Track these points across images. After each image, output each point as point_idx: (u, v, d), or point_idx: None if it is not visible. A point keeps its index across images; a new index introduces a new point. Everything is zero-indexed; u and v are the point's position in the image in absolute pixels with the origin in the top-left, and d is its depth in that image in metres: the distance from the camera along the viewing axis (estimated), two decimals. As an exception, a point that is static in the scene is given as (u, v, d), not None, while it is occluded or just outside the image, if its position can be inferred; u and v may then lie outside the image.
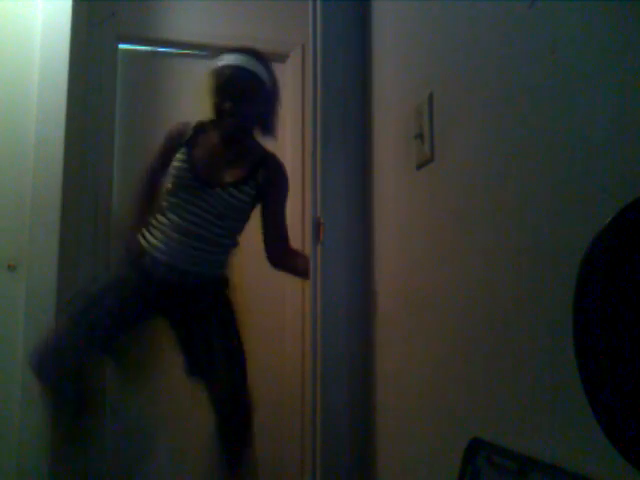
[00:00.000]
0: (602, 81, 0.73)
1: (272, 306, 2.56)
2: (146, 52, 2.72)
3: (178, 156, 1.96)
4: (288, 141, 2.75)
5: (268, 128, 2.07)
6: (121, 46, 2.65)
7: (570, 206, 0.78)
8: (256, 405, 1.98)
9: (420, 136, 1.26)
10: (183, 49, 2.75)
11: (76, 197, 2.28)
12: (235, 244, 2.05)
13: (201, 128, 2.02)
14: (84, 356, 1.88)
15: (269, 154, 2.07)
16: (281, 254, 2.07)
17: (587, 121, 0.76)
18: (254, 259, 2.14)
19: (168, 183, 1.97)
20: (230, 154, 2.00)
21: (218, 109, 1.97)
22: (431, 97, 1.23)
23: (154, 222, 1.96)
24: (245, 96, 1.95)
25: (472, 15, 1.07)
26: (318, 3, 1.69)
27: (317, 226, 1.64)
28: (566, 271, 0.74)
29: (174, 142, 2.00)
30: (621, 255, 0.61)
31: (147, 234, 1.95)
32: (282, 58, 2.80)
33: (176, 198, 1.94)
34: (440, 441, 1.15)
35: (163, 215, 1.95)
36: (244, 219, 2.03)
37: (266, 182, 2.01)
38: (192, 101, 2.50)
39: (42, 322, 2.05)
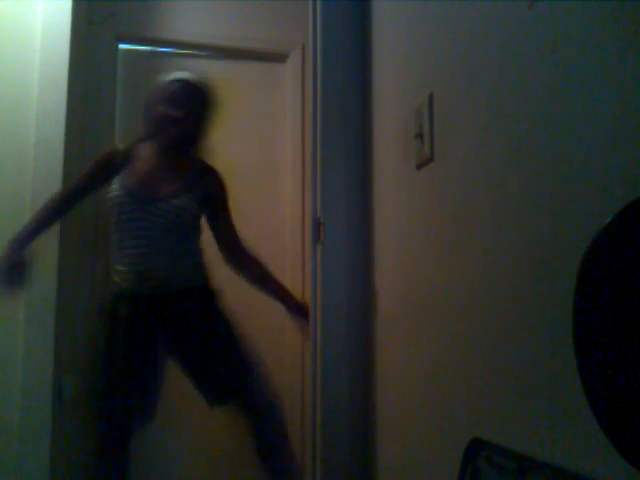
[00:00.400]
0: (602, 81, 0.73)
1: (272, 306, 2.55)
2: (146, 52, 2.71)
3: (113, 186, 1.95)
4: (288, 141, 2.75)
5: (194, 146, 2.09)
6: (121, 46, 2.65)
7: (570, 206, 0.78)
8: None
9: (420, 136, 1.26)
10: (183, 49, 2.74)
11: (76, 197, 2.28)
12: (197, 247, 2.04)
13: (133, 149, 2.02)
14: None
15: (207, 166, 2.07)
16: (238, 254, 2.07)
17: (587, 121, 0.76)
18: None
19: (113, 218, 1.95)
20: (168, 166, 2.00)
21: (162, 118, 1.98)
22: (431, 97, 1.23)
23: (115, 264, 1.96)
24: (192, 108, 1.99)
25: (472, 15, 1.07)
26: (318, 3, 1.69)
27: (317, 226, 1.64)
28: (566, 271, 0.74)
29: (101, 167, 2.00)
30: (621, 255, 0.61)
31: (113, 276, 1.96)
32: (282, 58, 2.80)
33: (123, 228, 1.93)
34: (440, 441, 1.15)
35: (118, 252, 1.94)
36: (196, 226, 2.02)
37: (206, 193, 2.01)
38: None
39: (42, 322, 2.05)
